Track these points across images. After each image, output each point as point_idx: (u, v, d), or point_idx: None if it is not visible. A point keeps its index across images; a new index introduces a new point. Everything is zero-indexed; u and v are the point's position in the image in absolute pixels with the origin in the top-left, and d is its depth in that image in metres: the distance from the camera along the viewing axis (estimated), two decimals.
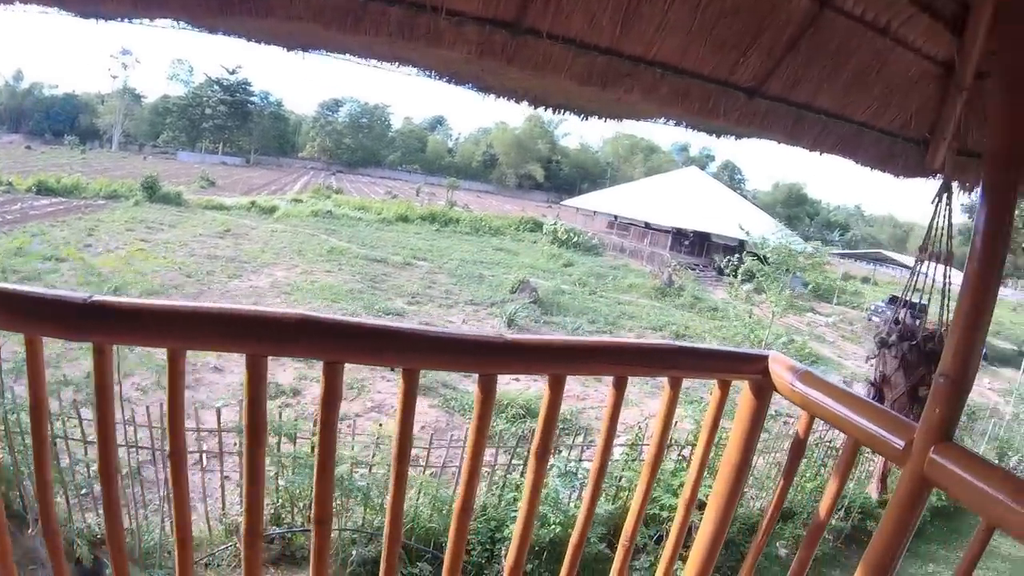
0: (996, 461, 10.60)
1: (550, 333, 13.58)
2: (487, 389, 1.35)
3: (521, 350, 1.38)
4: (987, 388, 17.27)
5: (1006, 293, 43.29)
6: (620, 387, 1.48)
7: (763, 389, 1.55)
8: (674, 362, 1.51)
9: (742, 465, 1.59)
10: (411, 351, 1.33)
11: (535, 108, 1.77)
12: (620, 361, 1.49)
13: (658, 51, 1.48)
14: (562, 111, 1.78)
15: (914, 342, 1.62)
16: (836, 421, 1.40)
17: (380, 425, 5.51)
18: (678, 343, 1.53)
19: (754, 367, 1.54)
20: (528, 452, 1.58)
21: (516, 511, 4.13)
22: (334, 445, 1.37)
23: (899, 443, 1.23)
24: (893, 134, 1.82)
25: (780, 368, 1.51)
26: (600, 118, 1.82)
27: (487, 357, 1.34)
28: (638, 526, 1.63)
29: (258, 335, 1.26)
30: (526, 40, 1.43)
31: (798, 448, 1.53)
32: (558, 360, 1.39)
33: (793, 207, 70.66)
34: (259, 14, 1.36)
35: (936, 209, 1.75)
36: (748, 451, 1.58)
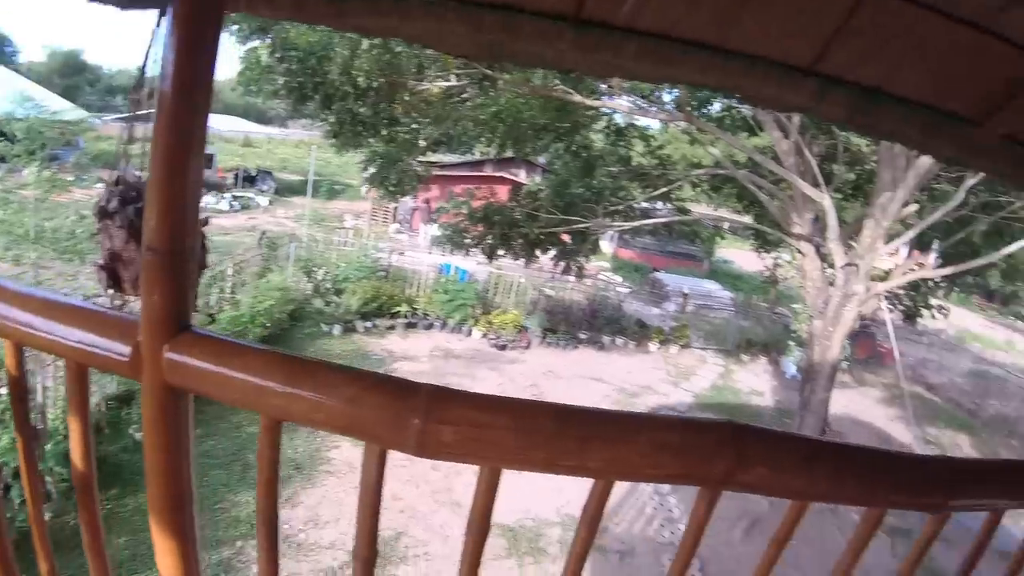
0: (307, 279, 11.21)
1: None
2: None
3: None
4: (283, 218, 20.51)
5: (287, 132, 44.35)
6: None
7: None
8: None
9: None
10: None
11: None
12: None
13: None
14: None
15: (141, 204, 1.30)
16: (39, 342, 1.00)
17: None
18: None
19: None
20: None
21: None
22: None
23: (124, 351, 0.93)
24: None
25: None
26: None
27: None
28: None
29: None
30: None
31: (17, 391, 1.09)
32: None
33: (72, 76, 59.77)
34: None
35: (154, 35, 1.39)
36: None
